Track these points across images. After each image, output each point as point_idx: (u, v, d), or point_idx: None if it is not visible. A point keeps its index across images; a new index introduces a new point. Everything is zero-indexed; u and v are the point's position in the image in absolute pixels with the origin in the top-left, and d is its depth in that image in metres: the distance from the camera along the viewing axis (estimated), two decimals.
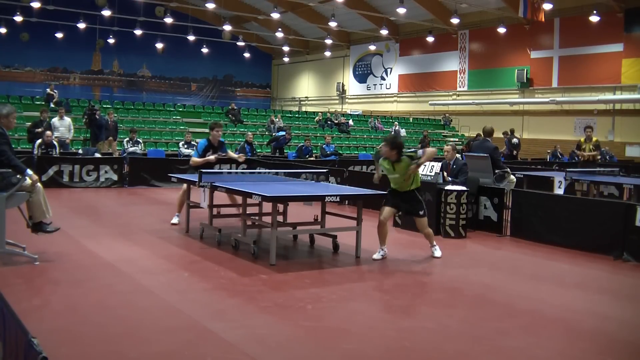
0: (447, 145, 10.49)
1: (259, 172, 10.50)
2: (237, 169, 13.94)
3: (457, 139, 27.76)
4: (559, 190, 11.05)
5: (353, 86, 39.18)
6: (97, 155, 14.88)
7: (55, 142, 14.32)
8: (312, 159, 18.28)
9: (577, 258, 7.74)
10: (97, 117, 17.27)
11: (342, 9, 30.39)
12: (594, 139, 14.84)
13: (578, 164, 14.62)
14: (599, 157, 16.84)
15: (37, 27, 32.29)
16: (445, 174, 9.53)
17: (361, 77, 38.56)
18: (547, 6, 24.87)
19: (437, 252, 7.46)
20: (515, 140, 22.44)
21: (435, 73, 33.58)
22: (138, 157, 15.51)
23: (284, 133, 20.13)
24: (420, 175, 7.53)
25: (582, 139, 14.86)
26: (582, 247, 8.03)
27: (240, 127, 24.14)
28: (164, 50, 37.98)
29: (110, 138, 17.34)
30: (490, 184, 9.79)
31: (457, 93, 32.34)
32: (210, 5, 29.26)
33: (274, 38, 37.46)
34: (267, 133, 23.08)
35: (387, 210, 7.29)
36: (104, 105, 22.14)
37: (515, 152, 22.37)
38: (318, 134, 25.11)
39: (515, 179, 10.58)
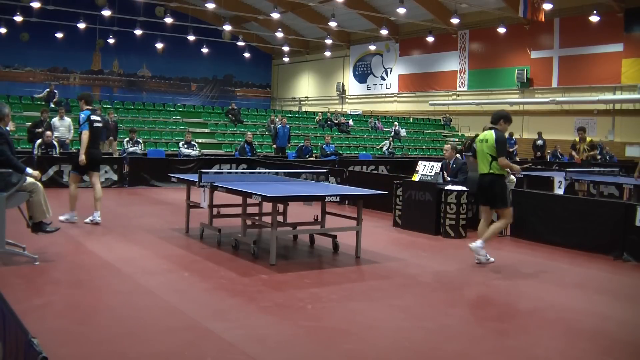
0: (447, 145, 10.50)
1: (259, 172, 10.49)
2: (237, 168, 13.94)
3: (456, 139, 27.76)
4: (559, 190, 11.06)
5: (353, 86, 39.18)
6: None
7: (55, 142, 14.31)
8: (312, 159, 18.27)
9: (577, 258, 7.74)
10: None
11: (342, 9, 30.40)
12: (588, 139, 14.91)
13: (574, 165, 14.67)
14: (598, 156, 16.83)
15: (37, 27, 32.29)
16: (445, 173, 9.53)
17: (361, 77, 38.56)
18: (547, 6, 24.88)
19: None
20: (540, 142, 22.58)
21: (435, 73, 33.58)
22: (138, 157, 15.51)
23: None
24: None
25: (577, 139, 14.95)
26: (582, 247, 8.04)
27: (240, 127, 24.14)
28: (164, 50, 38.00)
29: (111, 138, 17.34)
30: None
31: (457, 93, 32.34)
32: (210, 5, 29.26)
33: (274, 38, 37.46)
34: (267, 133, 23.09)
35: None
36: (104, 105, 22.13)
37: (539, 154, 22.55)
38: (318, 134, 25.11)
39: (515, 179, 10.58)
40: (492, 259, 7.25)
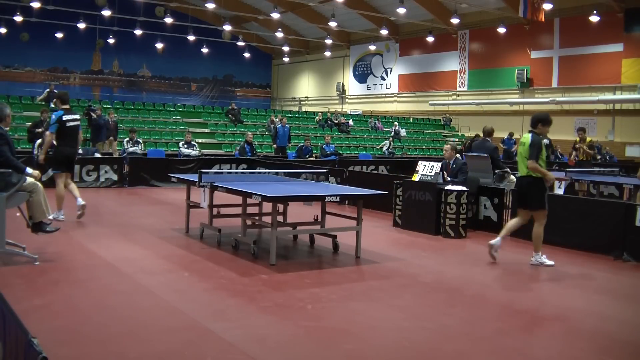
0: (447, 145, 10.50)
1: (259, 172, 10.49)
2: (237, 168, 13.93)
3: (456, 139, 27.77)
4: (559, 190, 11.05)
5: (353, 86, 39.18)
6: (97, 155, 14.88)
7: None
8: (312, 159, 18.27)
9: (577, 258, 7.74)
10: (96, 116, 17.27)
11: (342, 9, 30.40)
12: (588, 139, 14.95)
13: (570, 164, 14.68)
14: (598, 156, 16.82)
15: (37, 27, 32.28)
16: (445, 173, 9.54)
17: (361, 77, 38.56)
18: (547, 6, 24.88)
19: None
20: (546, 141, 22.49)
21: (435, 73, 33.59)
22: (138, 157, 15.51)
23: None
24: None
25: (577, 139, 14.98)
26: (582, 247, 8.04)
27: (240, 127, 24.15)
28: (164, 50, 38.00)
29: (111, 138, 17.34)
30: (490, 184, 9.79)
31: (457, 93, 32.35)
32: (210, 5, 29.26)
33: (274, 38, 37.46)
34: (267, 133, 23.09)
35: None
36: (104, 105, 22.11)
37: (546, 153, 22.46)
38: (318, 134, 25.11)
39: (515, 179, 10.56)
40: (492, 260, 7.26)
